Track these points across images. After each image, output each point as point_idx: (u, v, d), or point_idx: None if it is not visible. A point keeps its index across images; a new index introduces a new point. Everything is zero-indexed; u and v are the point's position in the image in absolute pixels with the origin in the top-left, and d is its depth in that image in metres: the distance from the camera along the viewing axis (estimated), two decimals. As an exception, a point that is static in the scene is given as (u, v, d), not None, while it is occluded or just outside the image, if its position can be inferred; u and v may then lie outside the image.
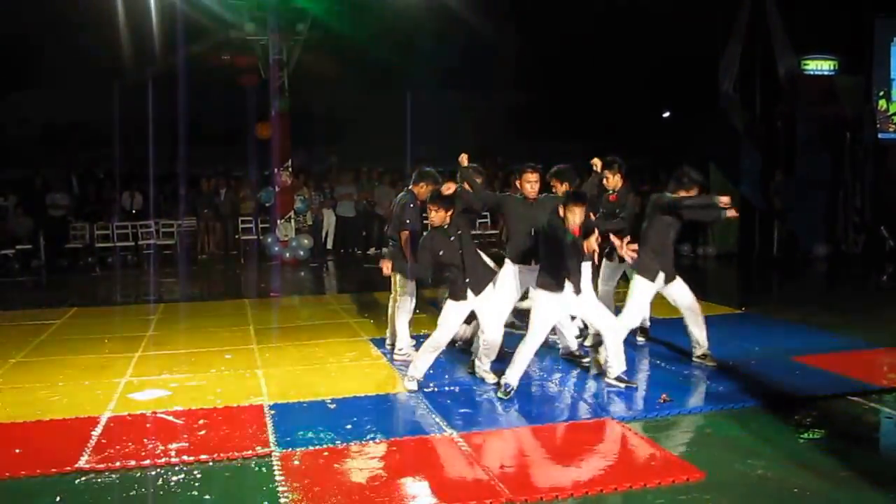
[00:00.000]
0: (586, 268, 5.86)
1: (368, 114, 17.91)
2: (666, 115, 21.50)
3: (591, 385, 6.18)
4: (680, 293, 6.48)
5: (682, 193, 6.28)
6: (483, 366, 6.22)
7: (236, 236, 15.67)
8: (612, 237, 5.94)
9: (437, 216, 5.81)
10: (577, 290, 5.70)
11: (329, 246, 16.02)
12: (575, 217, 5.48)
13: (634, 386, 6.02)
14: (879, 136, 15.04)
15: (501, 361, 6.15)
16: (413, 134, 15.79)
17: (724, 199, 5.97)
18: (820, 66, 15.30)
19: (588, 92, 18.53)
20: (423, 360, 6.03)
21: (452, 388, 6.13)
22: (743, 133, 14.67)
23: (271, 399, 5.83)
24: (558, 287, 5.66)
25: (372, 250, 15.89)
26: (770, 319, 8.64)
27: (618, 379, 6.04)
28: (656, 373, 6.48)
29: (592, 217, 5.88)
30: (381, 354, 7.18)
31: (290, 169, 14.52)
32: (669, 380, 6.24)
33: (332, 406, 5.66)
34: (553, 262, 5.65)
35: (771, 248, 14.37)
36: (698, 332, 6.56)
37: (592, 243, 5.40)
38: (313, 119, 17.16)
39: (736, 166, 14.52)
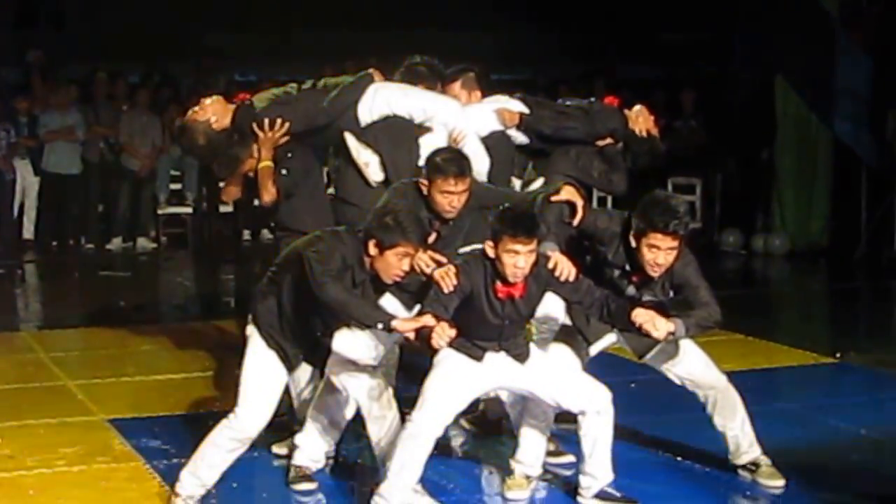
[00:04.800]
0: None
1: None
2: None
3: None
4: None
5: None
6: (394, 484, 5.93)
7: None
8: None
9: None
10: (520, 358, 5.92)
11: (28, 234, 15.66)
12: (516, 263, 5.55)
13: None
14: None
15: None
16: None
17: None
18: None
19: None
20: (207, 465, 5.89)
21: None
22: (839, 21, 14.68)
23: None
24: (475, 354, 5.89)
25: (115, 242, 15.52)
26: (883, 374, 8.89)
27: (602, 497, 6.04)
28: (673, 478, 6.52)
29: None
30: (133, 450, 6.94)
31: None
32: (697, 492, 6.32)
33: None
34: (464, 325, 5.78)
35: (890, 241, 14.35)
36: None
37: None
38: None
39: (826, 84, 14.61)
